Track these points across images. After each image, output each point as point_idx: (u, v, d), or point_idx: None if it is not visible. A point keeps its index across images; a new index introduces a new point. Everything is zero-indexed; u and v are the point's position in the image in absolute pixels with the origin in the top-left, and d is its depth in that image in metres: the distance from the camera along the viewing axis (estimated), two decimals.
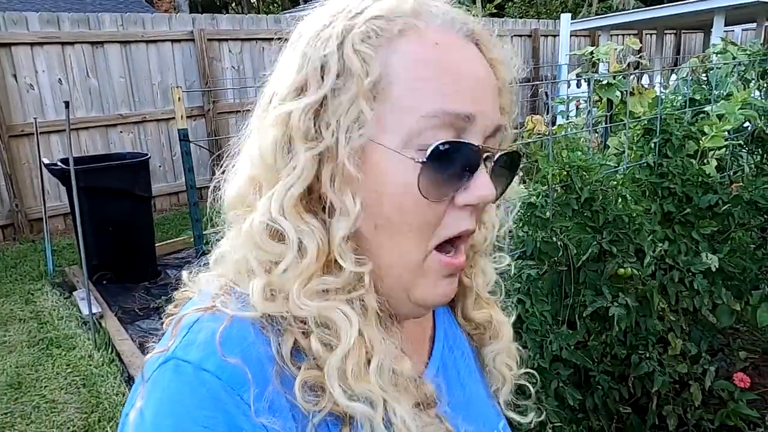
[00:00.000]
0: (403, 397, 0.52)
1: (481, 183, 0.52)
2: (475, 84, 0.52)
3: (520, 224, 2.00)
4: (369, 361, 0.50)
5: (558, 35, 9.74)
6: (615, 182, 2.03)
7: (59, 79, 5.96)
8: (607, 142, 3.36)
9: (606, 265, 2.05)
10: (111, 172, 4.39)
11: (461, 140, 0.51)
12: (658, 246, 2.27)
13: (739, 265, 2.39)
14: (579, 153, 1.98)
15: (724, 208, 2.34)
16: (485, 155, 0.53)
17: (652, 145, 2.40)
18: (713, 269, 2.28)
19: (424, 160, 0.49)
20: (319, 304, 0.50)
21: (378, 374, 0.50)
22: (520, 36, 10.77)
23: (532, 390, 0.73)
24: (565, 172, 1.97)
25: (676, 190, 2.38)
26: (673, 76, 4.50)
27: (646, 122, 2.43)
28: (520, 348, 0.75)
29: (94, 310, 3.75)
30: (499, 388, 0.70)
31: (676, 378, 2.31)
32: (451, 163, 0.50)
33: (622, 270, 2.11)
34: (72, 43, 5.96)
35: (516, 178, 0.61)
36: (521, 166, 0.60)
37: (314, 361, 0.50)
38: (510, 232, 2.06)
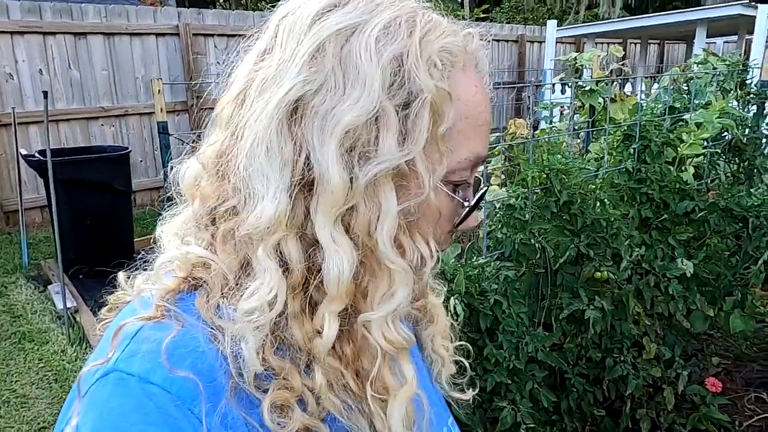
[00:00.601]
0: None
1: (473, 218, 0.57)
2: (490, 127, 0.55)
3: (500, 226, 2.01)
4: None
5: (544, 41, 9.82)
6: (593, 186, 2.04)
7: (40, 69, 5.86)
8: (589, 147, 3.39)
9: (583, 269, 2.07)
10: (90, 164, 4.33)
11: (486, 186, 0.57)
12: (634, 251, 2.29)
13: (713, 271, 2.42)
14: (559, 156, 1.99)
15: (700, 214, 2.37)
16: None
17: (632, 150, 2.43)
18: (688, 275, 2.31)
19: (471, 203, 0.56)
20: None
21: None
22: (507, 41, 10.84)
23: (467, 363, 0.74)
24: (545, 175, 1.98)
25: (653, 196, 2.41)
26: (655, 85, 4.57)
27: (626, 128, 2.46)
28: (453, 321, 0.76)
29: (69, 305, 3.69)
30: (440, 370, 0.71)
31: (650, 382, 2.34)
32: (477, 203, 0.57)
33: (598, 274, 2.13)
34: (54, 33, 5.87)
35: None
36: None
37: (283, 381, 0.48)
38: (488, 233, 2.08)
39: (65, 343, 3.41)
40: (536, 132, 3.50)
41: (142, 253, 0.58)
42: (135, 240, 4.79)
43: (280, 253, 0.48)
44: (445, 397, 0.73)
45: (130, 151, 4.71)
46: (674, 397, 2.43)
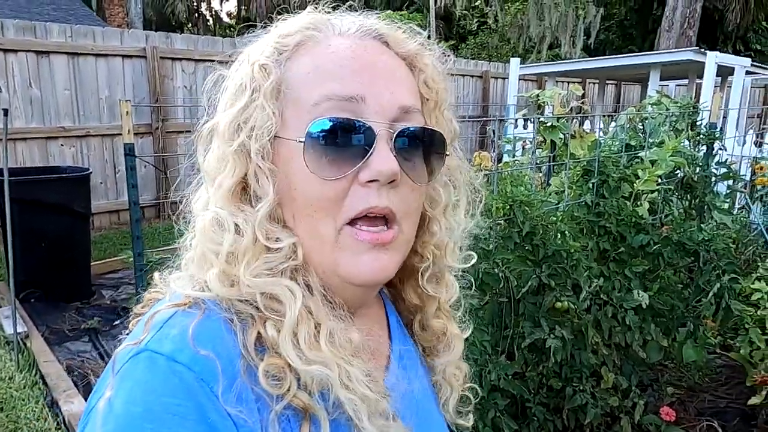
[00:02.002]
0: (356, 362, 0.55)
1: (378, 158, 0.55)
2: (364, 70, 0.57)
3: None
4: (319, 332, 0.55)
5: (507, 78, 10.14)
6: (555, 218, 2.11)
7: None
8: (550, 181, 3.50)
9: (544, 298, 2.12)
10: (47, 185, 4.21)
11: (340, 117, 0.55)
12: (593, 282, 2.36)
13: (667, 303, 2.51)
14: (522, 188, 2.06)
15: (654, 248, 2.47)
16: (380, 131, 0.56)
17: (591, 185, 2.52)
18: (644, 306, 2.39)
19: (302, 139, 0.55)
20: (264, 280, 0.54)
21: (329, 342, 0.54)
22: (472, 76, 11.13)
23: (472, 399, 0.78)
24: (509, 206, 2.04)
25: (611, 229, 2.50)
26: (613, 123, 4.76)
27: (585, 163, 2.55)
28: (468, 366, 0.78)
29: (19, 330, 3.54)
30: (448, 399, 0.74)
31: (608, 411, 2.38)
32: (335, 139, 0.55)
33: (559, 303, 2.19)
34: (15, 51, 5.75)
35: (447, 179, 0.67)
36: (445, 142, 0.63)
37: (273, 350, 0.53)
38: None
39: (13, 370, 3.26)
40: (499, 165, 3.60)
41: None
42: (92, 264, 4.66)
43: None
44: (450, 424, 0.76)
45: (91, 172, 4.61)
46: (631, 426, 2.48)
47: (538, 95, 3.85)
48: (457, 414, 0.75)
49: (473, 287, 2.00)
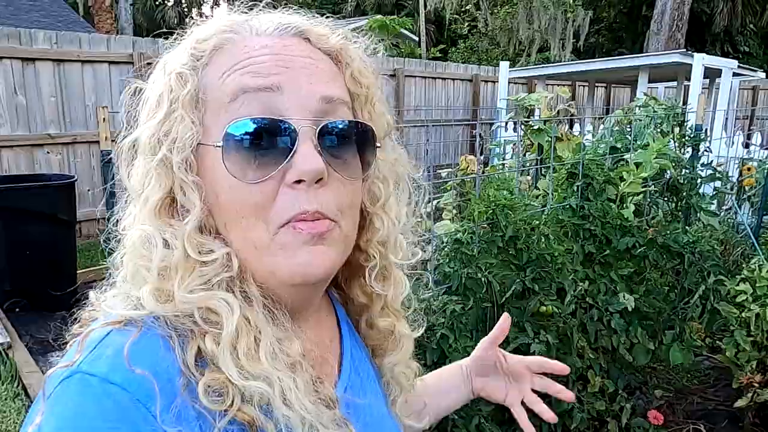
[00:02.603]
0: (299, 377, 0.53)
1: (302, 156, 0.53)
2: (282, 62, 0.55)
3: (447, 260, 2.03)
4: (259, 344, 0.52)
5: (497, 81, 10.17)
6: (537, 222, 2.10)
7: None
8: (537, 184, 3.49)
9: (529, 303, 2.10)
10: (32, 193, 4.17)
11: (255, 117, 0.53)
12: (579, 285, 2.35)
13: (653, 305, 2.50)
14: (505, 192, 2.04)
15: (640, 250, 2.46)
16: (303, 128, 0.53)
17: (575, 188, 2.51)
18: (630, 309, 2.38)
19: (221, 143, 0.53)
20: (198, 295, 0.52)
21: (269, 355, 0.52)
22: (462, 80, 11.16)
23: (426, 401, 0.81)
24: (491, 210, 2.03)
25: (596, 232, 2.49)
26: (602, 126, 4.77)
27: (569, 166, 2.54)
28: (419, 366, 0.78)
29: (1, 340, 3.49)
30: (396, 398, 0.74)
31: (594, 415, 2.37)
32: (254, 140, 0.52)
33: (543, 308, 2.17)
34: (0, 58, 5.70)
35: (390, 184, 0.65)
36: (375, 135, 0.61)
37: (214, 364, 0.51)
38: (436, 267, 2.09)
39: None
40: (487, 168, 3.59)
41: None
42: (78, 272, 4.61)
43: None
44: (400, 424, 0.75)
45: (76, 179, 4.57)
46: (618, 430, 2.47)
47: (524, 98, 3.84)
48: (407, 415, 0.75)
49: (457, 293, 1.99)
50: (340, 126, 0.56)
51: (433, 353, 1.82)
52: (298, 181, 0.53)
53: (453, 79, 10.96)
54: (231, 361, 0.51)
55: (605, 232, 2.52)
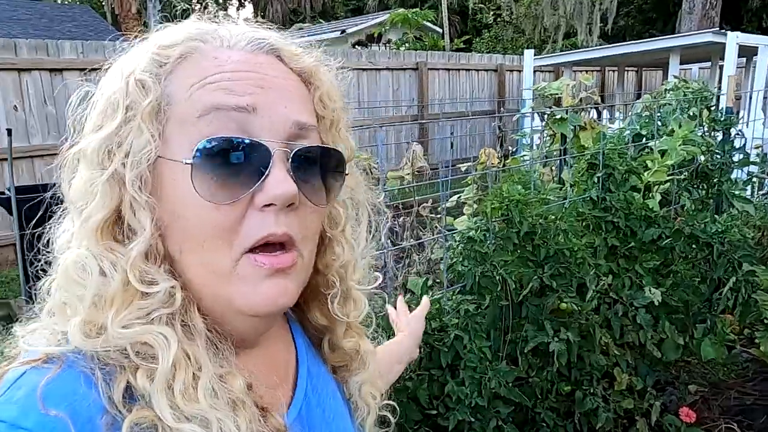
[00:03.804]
0: (240, 416, 0.50)
1: (274, 180, 0.51)
2: (255, 81, 0.53)
3: (460, 258, 1.98)
4: (198, 382, 0.49)
5: (523, 70, 9.98)
6: (554, 216, 2.03)
7: (15, 105, 5.83)
8: (561, 176, 3.40)
9: (547, 300, 2.04)
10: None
11: (232, 136, 0.50)
12: (601, 280, 2.27)
13: (682, 298, 2.40)
14: (519, 187, 1.98)
15: (666, 242, 2.36)
16: (276, 151, 0.52)
17: (596, 179, 2.43)
18: (656, 303, 2.29)
19: (191, 160, 0.49)
20: (134, 330, 0.48)
21: (208, 394, 0.49)
22: (486, 71, 10.99)
23: (392, 420, 0.75)
24: (505, 206, 1.97)
25: (619, 224, 2.40)
26: (630, 112, 4.62)
27: (590, 157, 2.46)
28: (383, 384, 0.78)
29: None
30: (365, 419, 0.71)
31: (621, 414, 2.29)
32: (227, 160, 0.50)
33: (564, 305, 2.10)
34: (29, 70, 5.86)
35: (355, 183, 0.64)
36: (344, 161, 0.60)
37: (144, 400, 0.48)
38: (449, 267, 2.05)
39: None
40: (507, 161, 3.51)
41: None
42: None
43: None
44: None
45: None
46: (648, 428, 2.38)
47: (545, 87, 3.74)
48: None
49: (471, 292, 1.94)
50: (313, 151, 0.55)
51: (446, 355, 1.78)
52: (268, 205, 0.51)
53: (477, 70, 10.80)
54: (165, 399, 0.47)
55: (629, 223, 2.43)
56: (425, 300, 1.24)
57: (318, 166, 0.56)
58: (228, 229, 0.51)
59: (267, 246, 0.52)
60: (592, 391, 2.17)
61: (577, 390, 2.16)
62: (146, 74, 0.52)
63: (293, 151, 0.53)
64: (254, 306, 0.52)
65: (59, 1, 23.66)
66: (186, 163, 0.50)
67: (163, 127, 0.52)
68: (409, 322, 1.14)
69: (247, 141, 0.51)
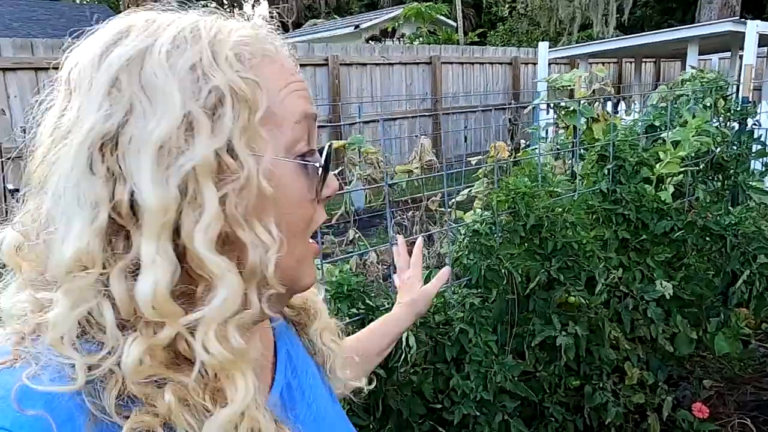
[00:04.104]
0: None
1: (332, 177, 0.60)
2: (308, 89, 0.59)
3: (466, 252, 1.96)
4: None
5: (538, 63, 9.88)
6: (560, 209, 2.00)
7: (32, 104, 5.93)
8: (574, 169, 3.36)
9: (554, 293, 2.01)
10: None
11: (330, 142, 0.60)
12: (611, 273, 2.24)
13: (694, 292, 2.36)
14: (526, 179, 1.96)
15: (678, 234, 2.32)
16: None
17: (606, 171, 2.39)
18: (668, 296, 2.25)
19: (322, 164, 0.57)
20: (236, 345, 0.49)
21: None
22: (501, 64, 10.91)
23: (356, 359, 0.81)
24: (511, 198, 1.95)
25: (630, 217, 2.36)
26: (647, 104, 4.55)
27: (599, 148, 2.42)
28: (338, 322, 0.80)
29: None
30: (333, 363, 0.74)
31: (632, 409, 2.26)
32: (324, 161, 0.58)
33: (572, 298, 2.08)
34: (46, 69, 5.94)
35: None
36: None
37: (149, 407, 0.46)
38: (455, 260, 2.03)
39: None
40: (518, 154, 3.48)
41: None
42: None
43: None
44: (343, 393, 0.79)
45: None
46: (659, 423, 2.35)
47: (556, 79, 3.70)
48: (346, 375, 0.76)
49: (477, 285, 1.92)
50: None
51: (451, 349, 1.77)
52: (327, 197, 0.60)
53: (491, 63, 10.73)
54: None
55: (640, 216, 2.39)
56: (443, 271, 1.22)
57: None
58: (312, 221, 0.58)
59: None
60: (601, 385, 2.14)
61: (586, 384, 2.14)
62: (243, 68, 0.50)
63: (326, 150, 0.60)
64: (310, 283, 0.61)
65: (77, 1, 23.96)
66: (316, 166, 0.57)
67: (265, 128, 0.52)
68: (415, 301, 1.14)
69: (328, 144, 0.60)
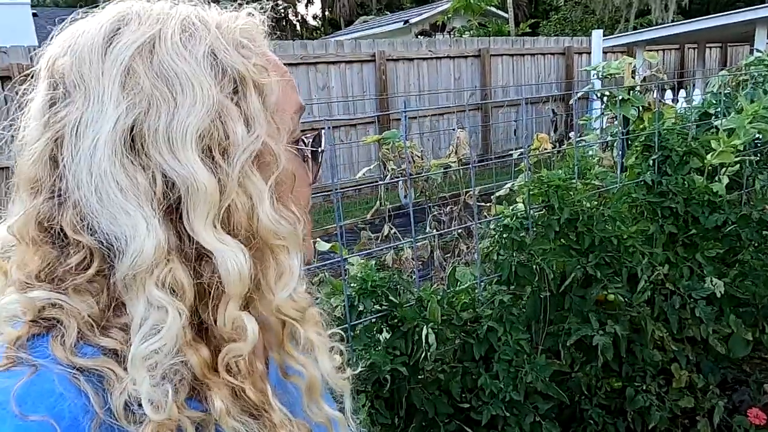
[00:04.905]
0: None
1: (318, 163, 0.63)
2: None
3: (496, 247, 1.90)
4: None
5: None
6: (596, 202, 1.91)
7: None
8: (623, 161, 3.21)
9: (591, 291, 1.92)
10: None
11: (318, 127, 0.62)
12: (656, 269, 2.12)
13: (750, 290, 2.20)
14: (559, 172, 1.88)
15: (731, 228, 2.17)
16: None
17: (651, 162, 2.26)
18: (719, 295, 2.11)
19: (318, 148, 0.62)
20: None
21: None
22: (553, 54, 10.60)
23: (342, 347, 0.73)
24: (544, 192, 1.87)
25: (678, 210, 2.23)
26: (699, 90, 4.30)
27: (644, 138, 2.30)
28: (323, 311, 0.74)
29: None
30: (318, 356, 0.68)
31: (678, 413, 2.14)
32: (317, 149, 0.62)
33: (612, 296, 1.98)
34: None
35: None
36: None
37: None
38: (485, 256, 1.97)
39: None
40: (563, 146, 3.36)
41: None
42: None
43: (169, 283, 0.47)
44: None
45: None
46: (711, 429, 2.21)
47: (603, 67, 3.54)
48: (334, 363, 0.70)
49: (508, 282, 1.86)
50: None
51: (479, 347, 1.72)
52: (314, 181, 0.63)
53: (543, 54, 10.44)
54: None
55: (689, 209, 2.25)
56: None
57: None
58: (308, 200, 0.62)
59: None
60: (645, 387, 2.03)
61: (628, 386, 2.04)
62: (246, 61, 0.51)
63: (313, 137, 0.62)
64: (310, 256, 0.64)
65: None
66: (312, 150, 0.61)
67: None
68: None
69: (319, 130, 0.63)
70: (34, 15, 12.95)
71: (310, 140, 0.61)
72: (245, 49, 0.51)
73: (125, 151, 0.46)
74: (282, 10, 29.95)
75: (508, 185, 3.60)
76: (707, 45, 11.06)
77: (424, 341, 1.50)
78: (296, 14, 32.24)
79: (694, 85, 7.24)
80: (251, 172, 0.49)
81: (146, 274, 0.46)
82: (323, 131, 0.63)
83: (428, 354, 1.50)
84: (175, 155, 0.46)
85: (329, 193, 1.91)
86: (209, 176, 0.46)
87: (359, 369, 0.76)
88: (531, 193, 1.91)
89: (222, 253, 0.47)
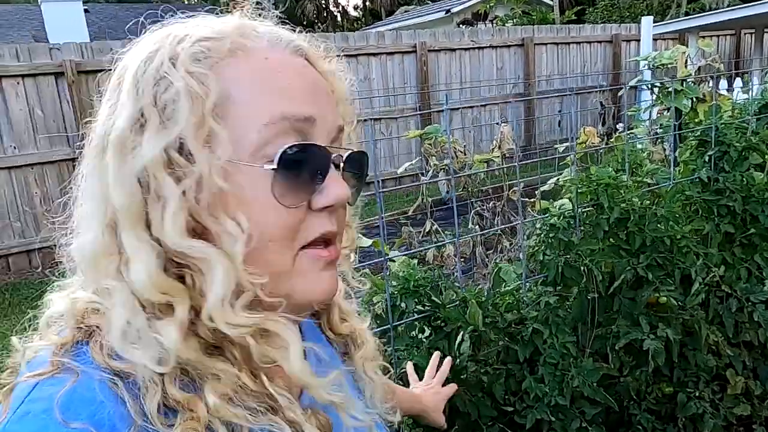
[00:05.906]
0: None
1: (335, 183, 0.54)
2: (310, 88, 0.55)
3: (542, 247, 1.85)
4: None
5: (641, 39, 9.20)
6: (648, 201, 1.83)
7: None
8: (674, 155, 3.09)
9: (642, 293, 1.85)
10: None
11: (307, 142, 0.53)
12: (711, 271, 2.03)
13: None
14: (609, 169, 1.81)
15: None
16: (333, 156, 0.55)
17: (707, 158, 2.16)
18: None
19: (275, 167, 0.50)
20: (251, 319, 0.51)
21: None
22: (600, 42, 10.28)
23: (388, 380, 0.80)
24: (593, 190, 1.81)
25: (735, 208, 2.12)
26: (756, 79, 4.10)
27: (699, 133, 2.19)
28: (384, 363, 0.78)
29: None
30: (372, 394, 0.72)
31: (734, 421, 2.05)
32: (301, 166, 0.52)
33: (664, 299, 1.90)
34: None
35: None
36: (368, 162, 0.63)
37: (191, 413, 0.47)
38: (530, 256, 1.92)
39: None
40: (610, 140, 3.25)
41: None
42: None
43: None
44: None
45: None
46: None
47: (654, 57, 3.40)
48: (384, 410, 0.73)
49: (554, 283, 1.81)
50: (357, 155, 0.59)
51: (524, 350, 1.67)
52: (326, 207, 0.55)
53: (589, 42, 10.14)
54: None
55: (748, 207, 2.14)
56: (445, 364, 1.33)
57: (360, 168, 0.60)
58: (292, 229, 0.53)
59: (314, 242, 0.55)
60: (698, 394, 1.95)
61: (680, 392, 1.96)
62: (198, 66, 0.50)
63: (345, 156, 0.57)
64: (315, 297, 0.56)
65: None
66: (269, 170, 0.51)
67: (222, 126, 0.50)
68: (438, 393, 1.27)
69: (315, 148, 0.54)
70: (86, 11, 13.37)
71: (289, 155, 0.51)
72: (194, 62, 0.51)
73: (96, 158, 0.53)
74: (323, 2, 30.07)
75: (553, 180, 3.51)
76: (766, 30, 10.50)
77: (456, 346, 1.47)
78: (337, 5, 32.33)
79: (751, 74, 6.89)
80: (159, 178, 0.48)
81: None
82: (314, 148, 0.54)
83: (458, 359, 1.47)
84: (107, 162, 0.51)
85: (369, 183, 1.90)
86: (119, 183, 0.49)
87: (400, 370, 0.76)
88: (579, 191, 1.84)
89: (131, 259, 0.49)
